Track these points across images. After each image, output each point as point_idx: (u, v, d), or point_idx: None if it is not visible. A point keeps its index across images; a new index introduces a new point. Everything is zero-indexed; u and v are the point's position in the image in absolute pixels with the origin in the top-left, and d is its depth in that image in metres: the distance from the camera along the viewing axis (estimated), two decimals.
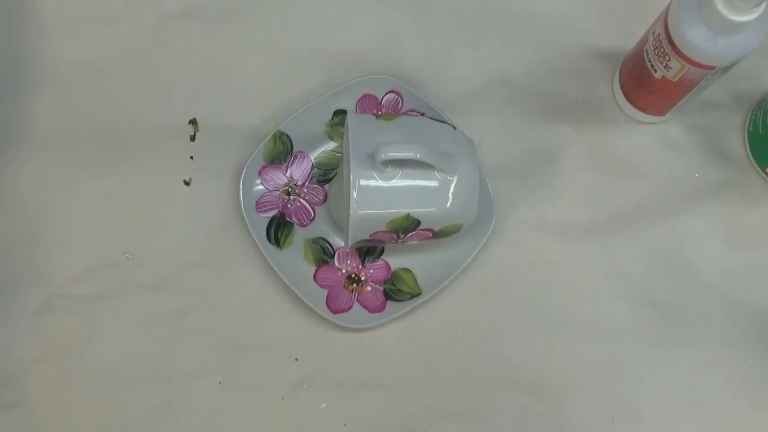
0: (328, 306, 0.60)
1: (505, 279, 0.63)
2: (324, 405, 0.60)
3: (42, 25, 0.66)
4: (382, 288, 0.61)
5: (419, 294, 0.61)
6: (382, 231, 0.56)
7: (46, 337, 0.61)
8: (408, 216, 0.55)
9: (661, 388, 0.61)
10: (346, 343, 0.61)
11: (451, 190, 0.55)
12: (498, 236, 0.62)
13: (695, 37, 0.53)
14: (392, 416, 0.60)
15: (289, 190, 0.63)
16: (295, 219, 0.62)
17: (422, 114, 0.63)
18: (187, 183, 0.64)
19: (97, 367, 0.61)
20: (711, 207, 0.64)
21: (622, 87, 0.64)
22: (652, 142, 0.65)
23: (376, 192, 0.54)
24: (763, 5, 0.51)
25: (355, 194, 0.53)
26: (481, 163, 0.61)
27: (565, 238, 0.63)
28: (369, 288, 0.61)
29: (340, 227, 0.62)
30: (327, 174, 0.63)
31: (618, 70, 0.65)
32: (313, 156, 0.63)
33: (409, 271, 0.62)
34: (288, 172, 0.63)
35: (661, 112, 0.63)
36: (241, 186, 0.61)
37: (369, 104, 0.64)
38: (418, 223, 0.55)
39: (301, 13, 0.67)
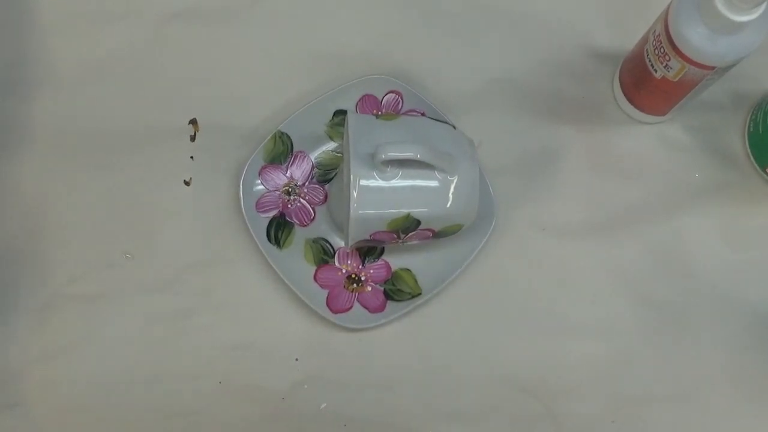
0: (328, 306, 0.60)
1: (505, 279, 0.63)
2: (324, 405, 0.60)
3: (42, 25, 0.66)
4: (382, 288, 0.61)
5: (419, 294, 0.61)
6: (382, 231, 0.56)
7: (46, 337, 0.61)
8: (408, 216, 0.55)
9: (661, 388, 0.61)
10: (346, 343, 0.61)
11: (451, 190, 0.55)
12: (498, 236, 0.62)
13: (695, 37, 0.53)
14: (392, 416, 0.60)
15: (290, 190, 0.63)
16: (295, 219, 0.62)
17: (422, 114, 0.63)
18: (187, 183, 0.64)
19: (97, 367, 0.61)
20: (711, 207, 0.64)
21: (622, 87, 0.64)
22: (652, 142, 0.65)
23: (376, 192, 0.54)
24: (763, 5, 0.51)
25: (355, 194, 0.53)
26: (481, 163, 0.61)
27: (565, 238, 0.63)
28: (369, 288, 0.61)
29: (341, 227, 0.62)
30: (327, 174, 0.63)
31: (618, 70, 0.65)
32: (314, 156, 0.63)
33: (410, 271, 0.62)
34: (288, 172, 0.63)
35: (661, 112, 0.63)
36: (241, 186, 0.61)
37: (369, 104, 0.64)
38: (418, 223, 0.55)
39: (302, 13, 0.67)
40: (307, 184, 0.63)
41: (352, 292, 0.61)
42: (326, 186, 0.63)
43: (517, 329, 0.62)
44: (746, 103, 0.66)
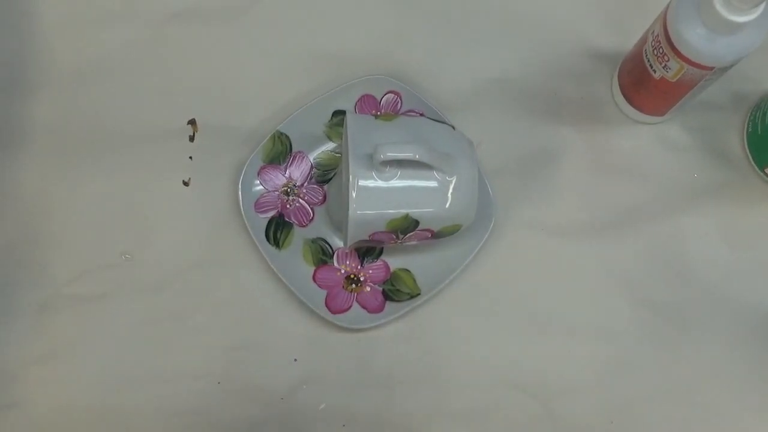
0: (327, 306, 0.60)
1: (505, 279, 0.63)
2: (323, 405, 0.60)
3: (42, 25, 0.66)
4: (381, 288, 0.61)
5: (418, 294, 0.61)
6: (381, 231, 0.56)
7: (45, 337, 0.61)
8: (407, 216, 0.55)
9: (660, 389, 0.61)
10: (345, 343, 0.61)
11: (450, 190, 0.55)
12: (497, 236, 0.62)
13: (694, 38, 0.53)
14: (392, 416, 0.60)
15: (288, 190, 0.63)
16: (294, 219, 0.62)
17: (421, 114, 0.63)
18: (186, 183, 0.64)
19: (96, 367, 0.61)
20: (710, 207, 0.64)
21: (621, 87, 0.64)
22: (651, 143, 0.65)
23: (375, 192, 0.54)
24: (762, 6, 0.51)
25: (354, 194, 0.53)
26: (481, 164, 0.61)
27: (564, 238, 0.63)
28: (368, 288, 0.61)
29: (339, 228, 0.62)
30: (326, 174, 0.63)
31: (617, 71, 0.65)
32: (312, 156, 0.63)
33: (408, 271, 0.62)
34: (287, 172, 0.63)
35: (660, 113, 0.63)
36: (240, 186, 0.61)
37: (368, 104, 0.64)
38: (417, 223, 0.55)
39: (301, 13, 0.67)
40: (306, 184, 0.63)
41: (351, 292, 0.61)
42: (325, 186, 0.63)
43: (516, 329, 0.62)
44: (745, 104, 0.66)
